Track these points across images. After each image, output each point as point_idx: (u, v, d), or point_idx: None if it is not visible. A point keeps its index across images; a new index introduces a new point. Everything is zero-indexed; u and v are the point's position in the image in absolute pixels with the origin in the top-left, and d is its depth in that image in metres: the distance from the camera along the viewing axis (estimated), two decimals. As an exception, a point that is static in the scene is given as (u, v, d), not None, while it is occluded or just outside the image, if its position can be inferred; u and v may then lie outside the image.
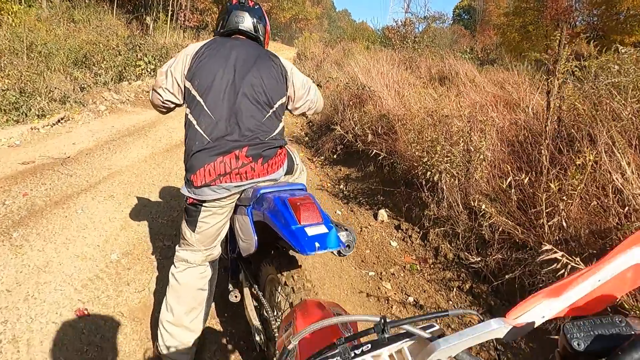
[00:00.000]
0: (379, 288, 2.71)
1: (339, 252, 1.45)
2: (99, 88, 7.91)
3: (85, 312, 2.14)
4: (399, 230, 3.40)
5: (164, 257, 2.75)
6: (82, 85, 7.46)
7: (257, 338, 1.76)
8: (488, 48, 17.06)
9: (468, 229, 2.90)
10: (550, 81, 2.81)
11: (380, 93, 4.90)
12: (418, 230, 3.30)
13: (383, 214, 3.64)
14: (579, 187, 2.24)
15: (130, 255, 2.73)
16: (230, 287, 2.01)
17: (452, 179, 3.07)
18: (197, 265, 1.77)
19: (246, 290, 1.94)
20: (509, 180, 2.57)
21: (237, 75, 1.64)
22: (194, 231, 1.72)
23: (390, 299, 2.58)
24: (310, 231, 1.34)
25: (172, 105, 1.81)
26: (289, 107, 1.89)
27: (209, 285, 1.84)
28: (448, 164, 3.07)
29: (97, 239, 2.85)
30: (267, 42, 1.94)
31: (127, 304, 2.26)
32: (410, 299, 2.57)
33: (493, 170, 2.97)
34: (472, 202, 2.82)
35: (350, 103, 5.39)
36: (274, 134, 1.71)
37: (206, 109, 1.61)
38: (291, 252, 1.73)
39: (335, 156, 5.15)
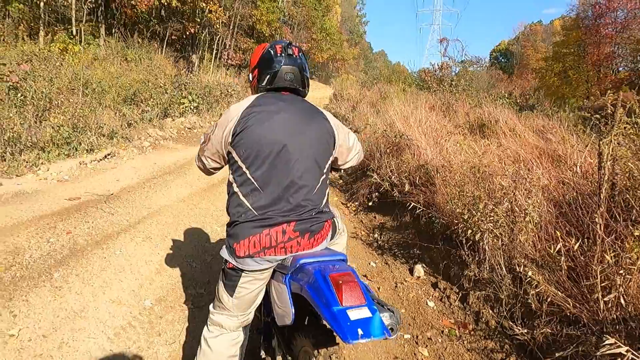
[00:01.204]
0: (414, 354, 2.56)
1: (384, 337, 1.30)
2: (144, 124, 8.30)
3: (116, 364, 2.12)
4: (437, 289, 3.26)
5: (196, 306, 2.73)
6: (129, 122, 7.85)
7: None
8: (527, 93, 16.82)
9: (512, 295, 2.73)
10: (603, 142, 2.69)
11: (418, 142, 4.86)
12: (457, 290, 3.15)
13: (420, 269, 3.51)
14: (638, 262, 2.08)
15: (163, 302, 2.73)
16: (263, 353, 1.93)
17: (495, 240, 2.94)
18: (231, 331, 1.71)
19: (278, 359, 1.86)
20: (558, 246, 2.42)
21: (286, 143, 1.54)
22: (232, 296, 1.65)
23: (427, 368, 2.43)
24: (353, 315, 1.24)
25: (215, 171, 1.82)
26: (339, 163, 1.86)
27: (240, 351, 1.77)
28: (491, 224, 2.95)
29: (132, 283, 2.88)
30: (307, 90, 1.85)
31: (157, 357, 2.23)
32: (449, 370, 2.41)
33: (539, 233, 2.82)
34: (517, 267, 2.67)
35: (387, 150, 5.37)
36: (323, 204, 1.66)
37: (253, 180, 1.53)
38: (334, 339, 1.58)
39: (370, 203, 5.09)
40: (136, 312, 2.57)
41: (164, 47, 18.25)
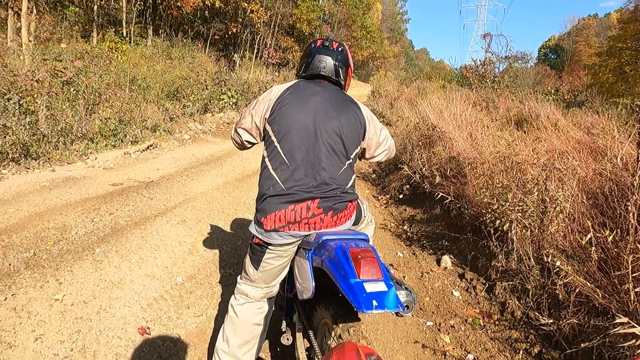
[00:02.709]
0: (436, 340, 2.56)
1: (397, 313, 1.36)
2: (185, 118, 8.64)
3: (147, 331, 2.26)
4: (463, 280, 3.22)
5: (224, 285, 2.85)
6: (171, 116, 8.21)
7: None
8: (576, 89, 16.00)
9: (540, 286, 2.66)
10: (642, 131, 2.57)
11: (451, 134, 4.79)
12: (483, 281, 3.10)
13: (447, 260, 3.48)
14: (673, 252, 1.98)
15: (193, 279, 2.87)
16: (284, 327, 2.01)
17: (524, 230, 2.87)
18: (256, 300, 1.81)
19: (298, 333, 1.92)
20: (589, 236, 2.34)
21: (317, 123, 1.64)
22: (257, 269, 1.75)
23: (447, 353, 2.42)
24: (369, 287, 1.29)
25: (249, 145, 1.92)
26: (366, 156, 1.91)
27: (265, 321, 1.87)
28: (520, 214, 2.88)
29: (166, 261, 3.04)
30: (348, 86, 1.95)
31: (185, 327, 2.36)
32: (470, 357, 2.39)
33: (571, 224, 2.73)
34: (545, 257, 2.61)
35: (420, 143, 5.32)
36: (348, 186, 1.72)
37: (282, 155, 1.63)
38: (355, 314, 1.62)
39: (401, 196, 5.07)
40: (168, 287, 2.73)
41: (207, 46, 18.87)
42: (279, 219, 1.60)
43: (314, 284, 1.57)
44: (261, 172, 1.71)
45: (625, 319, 1.67)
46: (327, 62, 1.79)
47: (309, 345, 1.83)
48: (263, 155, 1.72)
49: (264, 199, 1.64)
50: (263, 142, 1.77)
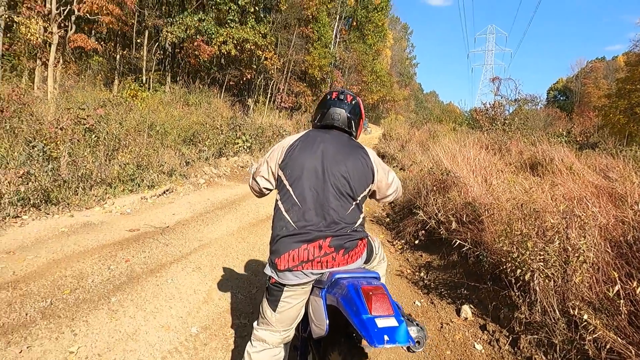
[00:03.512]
0: (460, 399, 2.44)
1: (408, 348, 1.42)
2: (201, 163, 8.81)
3: (162, 387, 2.21)
4: (485, 332, 3.10)
5: (239, 336, 2.79)
6: (187, 160, 8.38)
7: None
8: (587, 131, 16.01)
9: (567, 340, 2.55)
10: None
11: (465, 179, 4.78)
12: (507, 334, 2.98)
13: (467, 310, 3.37)
14: None
15: (208, 330, 2.82)
16: None
17: (547, 280, 2.79)
18: (273, 347, 1.81)
19: None
20: (617, 288, 2.26)
21: (325, 167, 1.75)
22: (274, 311, 1.76)
23: (473, 414, 2.29)
24: (381, 323, 1.33)
25: (267, 192, 2.01)
26: (377, 197, 2.01)
27: None
28: (541, 263, 2.81)
29: (181, 311, 3.01)
30: (359, 134, 2.07)
31: (200, 382, 2.29)
32: (497, 418, 2.26)
33: (596, 274, 2.65)
34: (571, 310, 2.51)
35: (434, 188, 5.31)
36: (357, 225, 1.79)
37: (294, 197, 1.73)
38: (362, 344, 1.67)
39: (416, 241, 5.00)
40: (183, 338, 2.68)
41: (222, 91, 19.52)
42: (292, 258, 1.67)
43: (327, 321, 1.62)
44: (274, 215, 1.81)
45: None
46: (341, 115, 1.92)
47: None
48: (276, 199, 1.82)
49: (278, 240, 1.72)
50: (277, 188, 1.87)
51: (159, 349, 2.53)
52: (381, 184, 1.93)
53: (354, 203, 1.79)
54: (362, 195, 1.83)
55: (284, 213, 1.74)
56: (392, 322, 1.34)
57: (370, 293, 1.42)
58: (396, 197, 2.10)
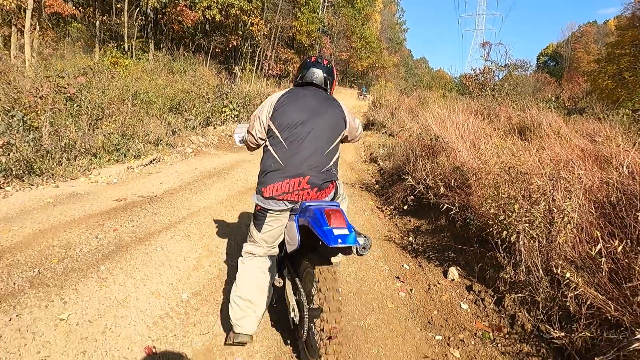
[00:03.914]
0: (445, 355, 2.52)
1: (357, 252, 1.93)
2: (187, 132, 8.67)
3: (153, 350, 2.23)
4: (471, 292, 3.18)
5: (230, 301, 2.81)
6: (174, 129, 8.23)
7: (292, 315, 2.19)
8: (576, 96, 16.02)
9: (550, 298, 2.63)
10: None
11: (454, 144, 4.78)
12: (492, 293, 3.06)
13: (454, 272, 3.44)
14: (686, 263, 1.95)
15: (199, 296, 2.84)
16: (277, 276, 2.42)
17: (532, 241, 2.84)
18: (260, 257, 2.30)
19: (288, 281, 2.42)
20: (598, 247, 2.32)
21: (309, 117, 2.17)
22: (259, 231, 2.25)
23: (458, 369, 2.38)
24: (336, 232, 1.83)
25: (262, 142, 2.34)
26: (349, 139, 2.49)
27: (270, 273, 2.32)
28: (527, 224, 2.86)
29: (171, 277, 3.02)
30: (333, 91, 2.49)
31: (192, 345, 2.32)
32: (481, 372, 2.35)
33: (580, 234, 2.70)
34: (554, 269, 2.58)
35: (423, 154, 5.31)
36: (331, 164, 2.22)
37: (283, 142, 2.14)
38: (329, 260, 2.12)
39: (405, 207, 5.05)
40: (174, 304, 2.70)
41: (208, 59, 19.01)
42: (276, 189, 2.11)
43: (299, 238, 2.09)
44: (264, 155, 2.23)
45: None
46: (319, 75, 2.35)
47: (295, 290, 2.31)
48: (266, 144, 2.24)
49: (266, 174, 2.15)
50: (267, 134, 2.26)
51: (150, 314, 2.55)
52: (352, 128, 2.40)
53: (331, 146, 2.21)
54: (337, 140, 2.26)
55: (273, 153, 2.14)
56: (345, 231, 1.85)
57: (330, 213, 1.90)
58: (360, 136, 2.60)
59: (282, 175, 2.09)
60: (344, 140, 2.44)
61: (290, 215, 2.19)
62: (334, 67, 2.48)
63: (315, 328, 2.00)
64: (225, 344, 2.34)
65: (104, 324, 2.39)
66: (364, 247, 1.95)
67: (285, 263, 2.52)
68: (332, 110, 2.25)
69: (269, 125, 2.22)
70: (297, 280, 2.26)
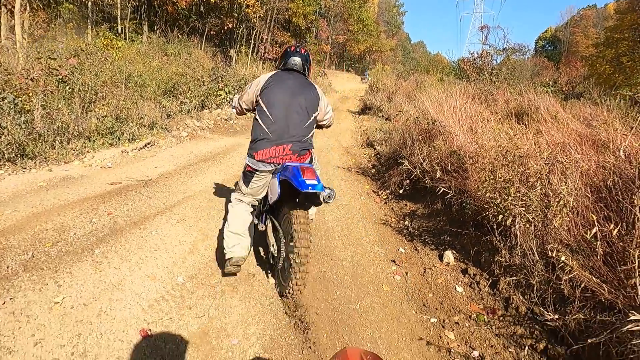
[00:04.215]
0: (440, 337, 2.54)
1: (324, 200, 2.41)
2: (182, 115, 8.58)
3: (149, 333, 2.23)
4: (466, 275, 3.19)
5: (225, 284, 2.82)
6: (169, 113, 8.14)
7: (272, 249, 2.85)
8: (574, 81, 15.94)
9: (544, 281, 2.64)
10: (646, 123, 2.54)
11: (451, 128, 4.75)
12: (487, 277, 3.07)
13: (449, 255, 3.46)
14: (680, 246, 1.96)
15: (194, 279, 2.84)
16: (260, 224, 3.04)
17: (527, 225, 2.84)
18: (245, 203, 2.90)
19: (269, 226, 2.98)
20: (594, 230, 2.32)
21: (291, 97, 2.67)
22: (247, 186, 2.81)
23: (452, 350, 2.40)
24: (308, 182, 2.36)
25: (247, 112, 3.01)
26: (317, 119, 2.87)
27: (252, 215, 2.93)
28: (523, 208, 2.86)
29: (166, 261, 3.01)
30: (310, 74, 2.96)
31: (187, 328, 2.33)
32: (475, 354, 2.37)
33: (575, 218, 2.71)
34: (549, 252, 2.58)
35: (420, 138, 5.28)
36: (308, 136, 2.75)
37: (269, 115, 2.64)
38: (304, 207, 2.61)
39: (401, 191, 5.04)
40: (169, 287, 2.69)
41: (203, 41, 18.73)
42: (265, 154, 2.62)
43: (279, 190, 2.59)
44: (253, 126, 2.72)
45: (638, 316, 1.64)
46: (298, 61, 2.82)
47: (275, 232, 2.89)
48: (255, 117, 2.73)
49: (257, 141, 2.65)
50: (255, 109, 2.78)
51: (145, 297, 2.54)
52: (322, 110, 2.85)
53: (308, 122, 2.71)
54: (313, 116, 2.76)
55: (262, 124, 2.65)
56: (314, 182, 2.38)
57: (304, 169, 2.44)
58: (330, 122, 3.06)
59: (269, 143, 2.61)
60: (318, 123, 2.93)
61: (273, 174, 2.73)
62: (310, 54, 2.96)
63: (289, 259, 2.51)
64: (223, 274, 2.90)
65: (99, 307, 2.38)
66: (329, 196, 2.42)
67: (266, 214, 3.05)
68: (309, 92, 2.75)
69: (258, 100, 2.70)
70: (276, 223, 2.83)
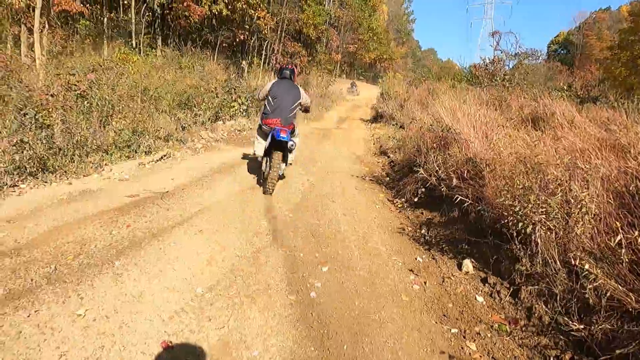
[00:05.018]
0: (462, 348, 2.50)
1: (289, 147, 4.84)
2: (197, 127, 8.68)
3: (170, 345, 2.25)
4: (486, 284, 3.15)
5: (244, 295, 2.82)
6: (183, 125, 8.25)
7: (264, 168, 5.22)
8: (589, 84, 15.71)
9: (568, 290, 2.59)
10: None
11: (466, 135, 4.71)
12: (508, 286, 3.03)
13: (468, 264, 3.41)
14: None
15: (213, 291, 2.85)
16: (263, 166, 5.30)
17: (548, 233, 2.80)
18: (262, 142, 5.13)
19: (264, 162, 5.21)
20: (619, 237, 2.27)
21: (284, 93, 5.01)
22: (259, 135, 5.24)
23: (475, 362, 2.36)
24: (281, 134, 4.66)
25: (263, 101, 5.23)
26: (302, 104, 5.21)
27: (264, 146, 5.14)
28: (543, 216, 2.81)
29: (185, 272, 3.03)
30: (296, 79, 5.39)
31: (207, 340, 2.33)
32: (499, 365, 2.33)
33: (598, 225, 2.65)
34: (572, 260, 2.53)
35: (434, 145, 5.26)
36: (291, 115, 5.01)
37: (272, 101, 4.96)
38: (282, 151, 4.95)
39: (416, 199, 5.01)
40: (188, 299, 2.71)
41: (216, 54, 19.00)
42: (267, 122, 4.96)
43: (269, 140, 4.84)
44: (263, 108, 5.13)
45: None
46: (287, 73, 5.26)
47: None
48: (264, 104, 5.10)
49: (264, 114, 5.04)
50: (265, 98, 5.13)
51: (165, 309, 2.56)
52: (303, 99, 5.15)
53: (293, 106, 5.01)
54: (297, 103, 5.07)
55: (267, 107, 4.99)
56: (285, 136, 4.65)
57: (282, 130, 4.71)
58: (308, 106, 5.45)
59: (269, 116, 4.95)
60: (303, 107, 5.32)
61: (270, 132, 4.90)
62: (295, 68, 5.56)
63: (268, 173, 4.97)
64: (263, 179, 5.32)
65: (121, 319, 2.40)
66: (291, 144, 4.83)
67: (265, 156, 5.18)
68: (294, 91, 5.11)
69: (267, 95, 5.07)
70: (268, 158, 5.04)
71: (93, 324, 2.33)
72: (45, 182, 4.74)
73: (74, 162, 5.30)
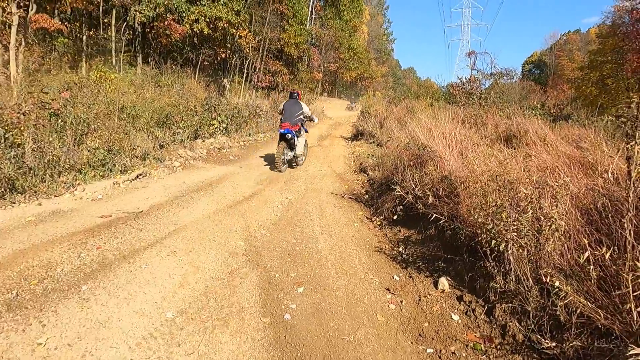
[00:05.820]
0: (437, 369, 2.47)
1: (289, 139, 8.03)
2: (175, 145, 8.60)
3: (136, 373, 2.16)
4: (462, 302, 3.14)
5: (216, 318, 2.75)
6: (161, 143, 8.15)
7: (287, 156, 8.27)
8: (561, 103, 16.23)
9: (540, 307, 2.61)
10: (631, 146, 2.56)
11: (441, 153, 4.78)
12: (483, 303, 3.03)
13: (444, 282, 3.41)
14: (673, 269, 1.94)
15: (184, 314, 2.77)
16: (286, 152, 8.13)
17: (520, 250, 2.82)
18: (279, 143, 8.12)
19: (280, 149, 7.93)
20: (586, 254, 2.30)
21: (290, 107, 8.32)
22: (280, 138, 8.05)
23: (449, 383, 2.33)
24: (284, 130, 7.86)
25: (280, 114, 8.64)
26: (304, 116, 8.47)
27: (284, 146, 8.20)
28: (515, 233, 2.84)
29: (156, 296, 2.94)
30: (300, 97, 8.95)
31: (176, 367, 2.25)
32: (473, 386, 2.31)
33: (567, 242, 2.69)
34: (543, 277, 2.56)
35: (411, 163, 5.31)
36: (296, 119, 8.17)
37: (284, 113, 8.32)
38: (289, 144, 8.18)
39: (394, 217, 5.02)
40: (158, 324, 2.62)
41: (197, 72, 18.99)
42: (282, 125, 7.92)
43: (280, 134, 8.00)
44: (280, 119, 8.36)
45: (637, 350, 1.61)
46: (295, 95, 8.67)
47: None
48: (280, 117, 8.44)
49: (280, 122, 8.17)
50: (281, 113, 8.47)
51: (132, 335, 2.47)
52: (305, 111, 8.48)
53: (297, 117, 8.20)
54: (299, 112, 8.26)
55: (281, 117, 8.36)
56: (285, 131, 7.86)
57: (285, 126, 7.88)
58: (310, 115, 8.85)
59: (282, 121, 8.04)
60: (306, 117, 8.56)
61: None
62: (300, 93, 8.95)
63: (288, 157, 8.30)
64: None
65: (84, 347, 2.30)
66: (290, 136, 7.91)
67: (282, 148, 7.92)
68: (297, 106, 8.28)
69: (281, 110, 8.38)
70: (288, 147, 8.14)
71: (54, 353, 2.23)
72: (13, 202, 4.59)
73: (44, 182, 5.16)
